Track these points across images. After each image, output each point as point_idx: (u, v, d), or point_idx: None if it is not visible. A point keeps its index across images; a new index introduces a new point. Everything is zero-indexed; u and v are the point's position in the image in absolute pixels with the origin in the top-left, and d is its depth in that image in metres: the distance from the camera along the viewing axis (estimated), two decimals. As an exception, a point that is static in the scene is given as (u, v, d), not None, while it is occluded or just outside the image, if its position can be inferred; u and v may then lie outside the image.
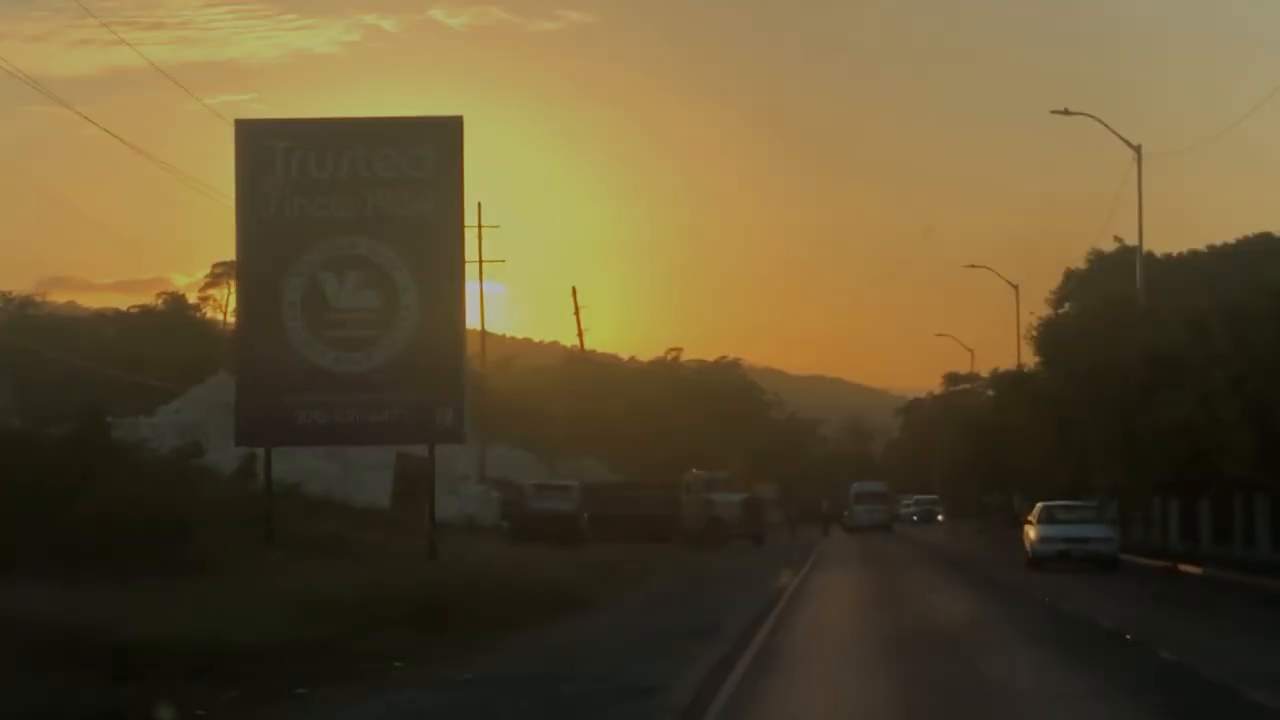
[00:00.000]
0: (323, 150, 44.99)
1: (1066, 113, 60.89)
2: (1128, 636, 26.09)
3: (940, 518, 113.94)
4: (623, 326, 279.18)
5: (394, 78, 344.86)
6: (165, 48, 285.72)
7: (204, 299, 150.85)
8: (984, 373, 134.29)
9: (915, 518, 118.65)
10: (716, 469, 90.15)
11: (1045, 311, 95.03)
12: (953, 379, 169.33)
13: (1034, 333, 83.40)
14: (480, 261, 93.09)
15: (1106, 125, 59.69)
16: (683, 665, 22.13)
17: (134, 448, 45.91)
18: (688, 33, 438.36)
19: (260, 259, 44.75)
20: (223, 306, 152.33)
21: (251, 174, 44.54)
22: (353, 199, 44.86)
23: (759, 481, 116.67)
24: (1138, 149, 59.24)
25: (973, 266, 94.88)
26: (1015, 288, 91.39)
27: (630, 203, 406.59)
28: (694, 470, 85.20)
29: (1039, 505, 52.24)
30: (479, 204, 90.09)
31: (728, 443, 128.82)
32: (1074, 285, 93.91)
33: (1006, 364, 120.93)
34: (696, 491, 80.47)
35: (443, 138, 45.39)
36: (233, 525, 37.21)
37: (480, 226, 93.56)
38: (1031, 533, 50.16)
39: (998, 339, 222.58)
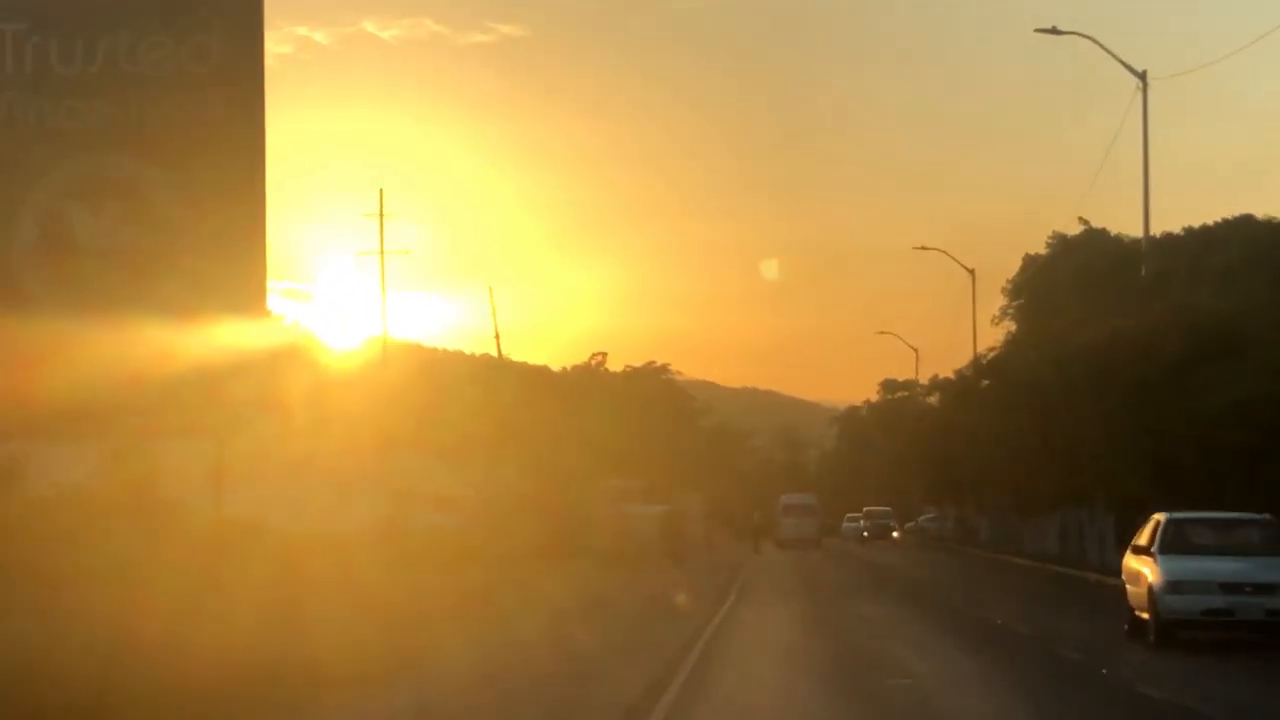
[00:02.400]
0: (69, 36, 31.15)
1: (1055, 32, 47.43)
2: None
3: (896, 534, 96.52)
4: (552, 338, 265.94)
5: (326, 90, 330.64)
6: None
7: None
8: (925, 379, 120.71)
9: (866, 534, 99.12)
10: (633, 478, 77.36)
11: (1001, 303, 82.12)
12: (890, 386, 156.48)
13: (1019, 300, 70.06)
14: (381, 253, 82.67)
15: (1105, 48, 46.53)
16: None
17: None
18: (617, 45, 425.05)
19: (-18, 184, 30.70)
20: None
21: (-30, 67, 30.64)
22: (111, 102, 31.12)
23: (684, 492, 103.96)
24: (1142, 75, 46.08)
25: (923, 249, 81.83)
26: (971, 272, 78.64)
27: (562, 214, 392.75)
28: (610, 480, 72.40)
29: (1160, 519, 27.80)
30: (380, 190, 78.62)
31: (652, 451, 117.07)
32: (1034, 273, 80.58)
33: (950, 369, 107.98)
34: (608, 503, 67.67)
35: (235, 20, 31.26)
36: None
37: (381, 215, 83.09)
38: (1149, 571, 26.22)
39: (944, 341, 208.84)
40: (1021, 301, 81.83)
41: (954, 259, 78.99)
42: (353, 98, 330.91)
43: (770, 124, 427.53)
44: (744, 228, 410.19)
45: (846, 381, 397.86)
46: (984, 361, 64.66)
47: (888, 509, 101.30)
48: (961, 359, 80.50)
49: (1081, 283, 49.97)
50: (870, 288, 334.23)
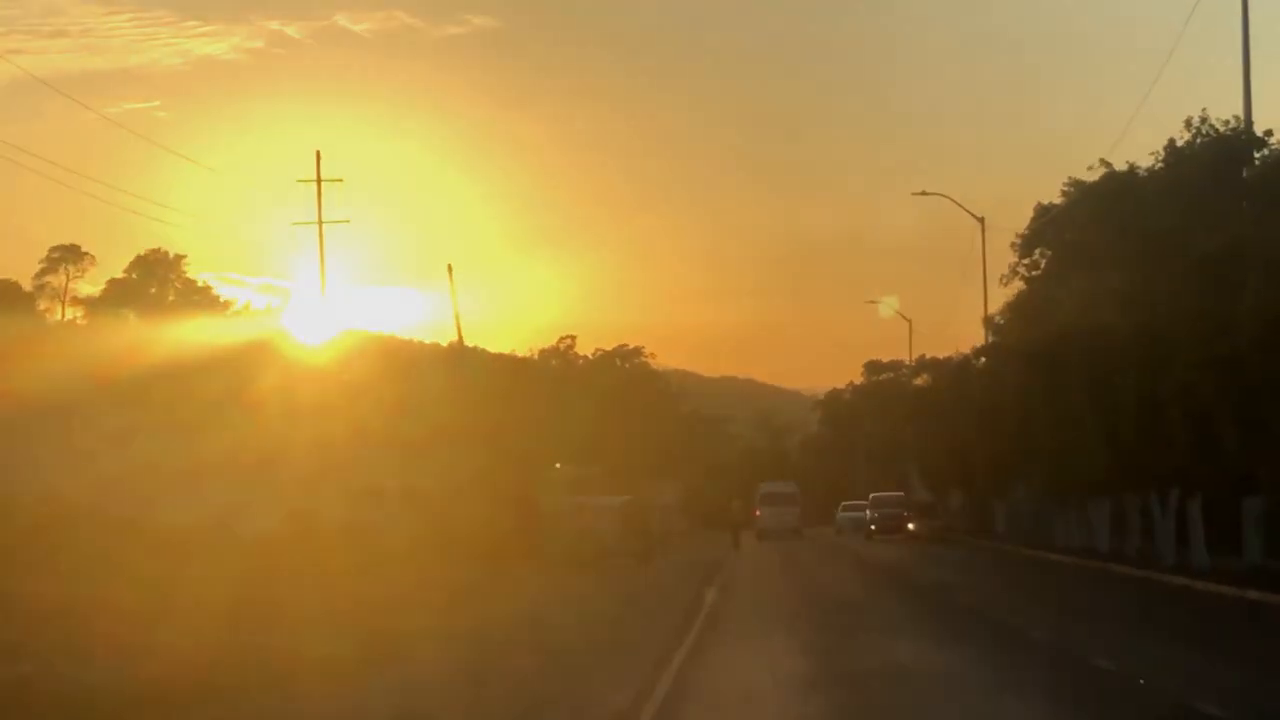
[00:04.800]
0: None
1: None
2: None
3: (911, 526, 75.57)
4: (526, 331, 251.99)
5: (299, 84, 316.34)
6: (67, 56, 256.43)
7: (39, 286, 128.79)
8: (918, 356, 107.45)
9: (874, 527, 78.11)
10: (591, 464, 64.38)
11: (1010, 259, 68.80)
12: (875, 367, 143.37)
13: (1031, 255, 56.59)
14: (320, 222, 69.26)
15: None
16: None
17: None
18: (592, 36, 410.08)
19: None
20: (61, 294, 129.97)
21: None
22: None
23: (656, 481, 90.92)
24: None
25: (924, 194, 68.47)
26: (980, 220, 65.51)
27: (535, 206, 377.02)
28: (557, 466, 59.39)
29: None
30: (317, 153, 66.46)
31: (623, 438, 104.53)
32: (1048, 223, 67.30)
33: (940, 349, 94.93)
34: (561, 494, 54.98)
35: None
36: None
37: (319, 180, 70.91)
38: None
39: (935, 320, 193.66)
40: (1037, 255, 68.77)
41: (960, 205, 66.00)
42: (327, 92, 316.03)
43: (744, 112, 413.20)
44: (720, 216, 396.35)
45: (826, 370, 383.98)
46: (1017, 308, 50.95)
47: (900, 494, 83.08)
48: (953, 338, 67.68)
49: (1150, 205, 36.36)
50: (854, 270, 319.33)
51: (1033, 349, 43.05)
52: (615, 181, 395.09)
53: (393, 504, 57.07)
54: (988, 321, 58.29)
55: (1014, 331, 51.96)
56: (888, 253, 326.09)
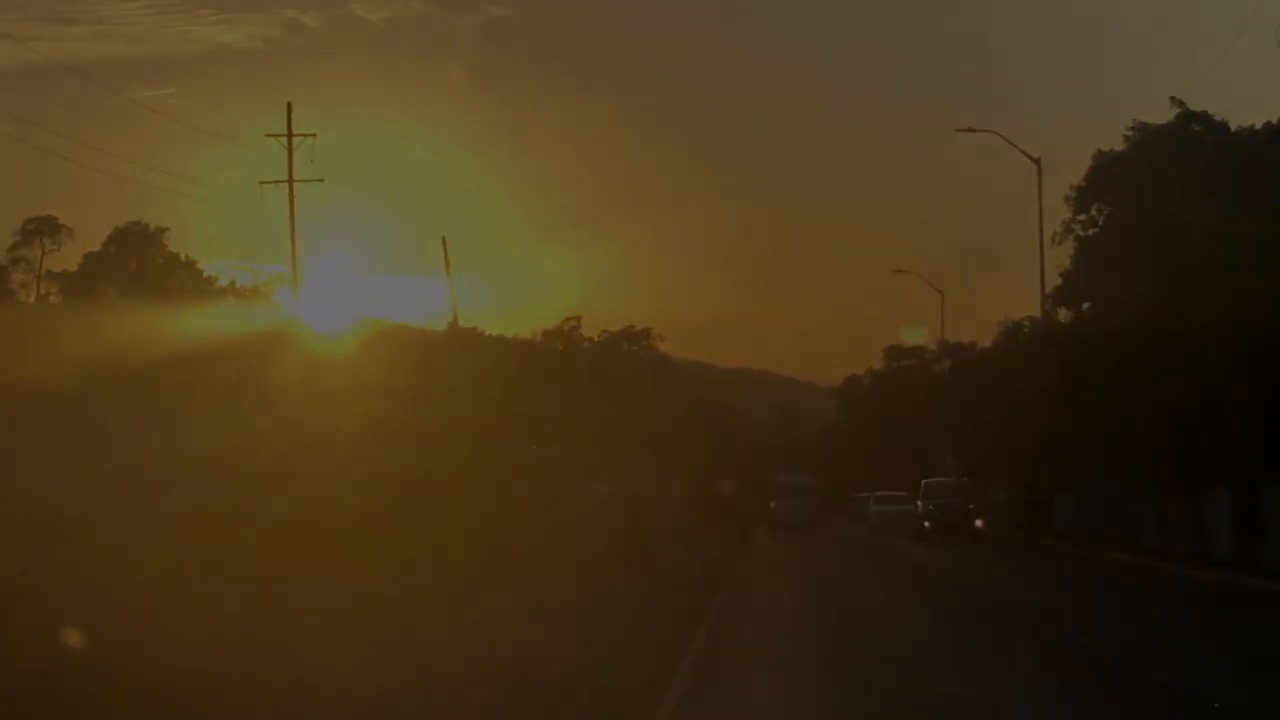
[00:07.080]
0: None
1: None
2: None
3: (979, 523, 60.76)
4: (535, 318, 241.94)
5: (314, 72, 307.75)
6: (82, 44, 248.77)
7: (14, 260, 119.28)
8: (948, 333, 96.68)
9: (928, 523, 61.86)
10: (577, 447, 54.18)
11: (1065, 215, 57.92)
12: (895, 353, 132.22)
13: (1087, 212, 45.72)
14: (290, 181, 62.14)
15: None
16: None
17: None
18: (608, 23, 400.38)
19: None
20: (36, 268, 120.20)
21: None
22: None
23: (661, 470, 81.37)
24: None
25: (968, 130, 57.10)
26: (1035, 161, 54.43)
27: (549, 196, 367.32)
28: (533, 448, 49.62)
29: None
30: (289, 105, 60.29)
31: (629, 426, 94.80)
32: (1107, 173, 56.50)
33: (973, 334, 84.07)
34: (540, 482, 45.25)
35: None
36: None
37: (290, 135, 62.34)
38: None
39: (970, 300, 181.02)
40: (1094, 212, 57.79)
41: (1013, 145, 54.85)
42: (342, 80, 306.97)
43: (762, 94, 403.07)
44: (737, 205, 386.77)
45: (843, 361, 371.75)
46: (1118, 227, 39.57)
47: (964, 481, 66.95)
48: (983, 323, 56.46)
49: None
50: (877, 253, 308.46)
51: (1141, 291, 31.83)
52: (627, 171, 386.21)
53: (338, 494, 47.47)
54: (1077, 256, 46.79)
55: (1109, 270, 40.76)
56: (910, 232, 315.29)
